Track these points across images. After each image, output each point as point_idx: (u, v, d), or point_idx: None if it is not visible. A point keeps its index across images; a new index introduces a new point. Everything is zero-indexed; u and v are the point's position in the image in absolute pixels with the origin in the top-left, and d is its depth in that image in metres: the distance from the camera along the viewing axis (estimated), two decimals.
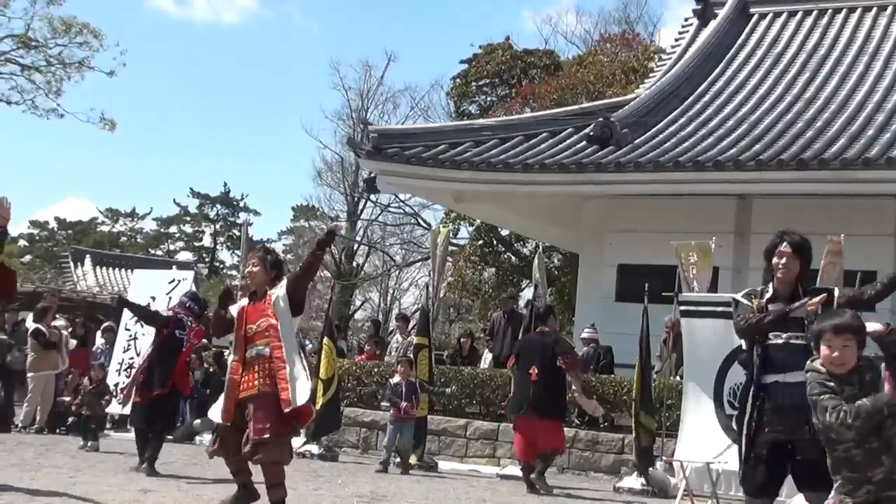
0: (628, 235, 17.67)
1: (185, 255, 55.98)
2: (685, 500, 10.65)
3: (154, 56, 76.11)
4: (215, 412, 7.44)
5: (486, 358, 17.32)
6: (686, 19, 23.45)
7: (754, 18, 22.15)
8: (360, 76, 48.63)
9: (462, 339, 18.76)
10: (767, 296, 6.17)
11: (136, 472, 10.07)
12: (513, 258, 32.10)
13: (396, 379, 13.08)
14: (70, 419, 14.24)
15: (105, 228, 59.67)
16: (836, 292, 6.16)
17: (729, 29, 21.67)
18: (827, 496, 5.48)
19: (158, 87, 76.40)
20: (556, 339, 11.58)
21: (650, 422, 12.23)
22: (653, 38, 38.21)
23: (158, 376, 10.55)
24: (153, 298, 15.13)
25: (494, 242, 31.53)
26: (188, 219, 58.98)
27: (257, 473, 7.37)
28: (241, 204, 58.23)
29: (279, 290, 7.28)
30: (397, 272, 46.43)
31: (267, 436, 7.01)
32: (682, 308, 11.63)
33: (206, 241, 58.99)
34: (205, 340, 14.31)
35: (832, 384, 4.88)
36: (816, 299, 5.93)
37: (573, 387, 11.82)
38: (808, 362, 5.04)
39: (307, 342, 21.64)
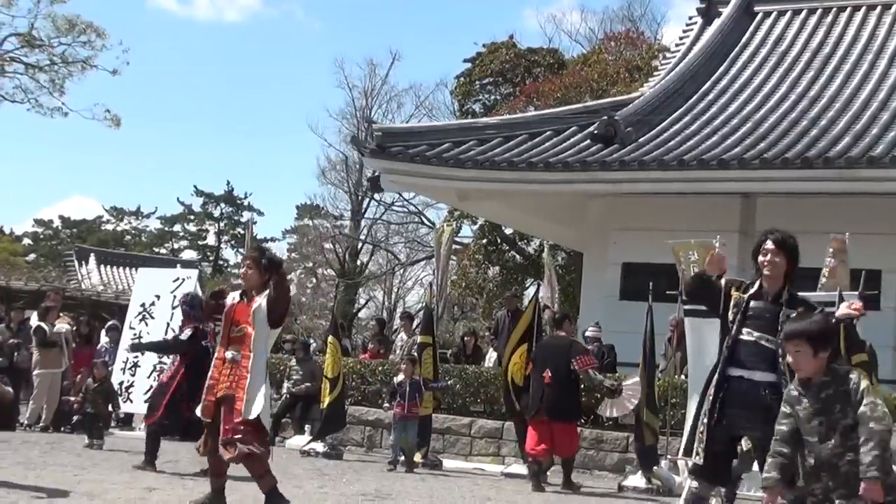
0: (632, 234, 17.65)
1: (189, 254, 56.03)
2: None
3: (157, 55, 76.34)
4: (200, 409, 7.57)
5: (491, 357, 17.32)
6: (690, 17, 23.45)
7: (759, 16, 22.11)
8: (364, 74, 48.71)
9: (466, 338, 18.78)
10: (752, 291, 6.21)
11: (141, 469, 10.07)
12: (517, 257, 32.09)
13: (400, 377, 13.10)
14: (75, 417, 14.24)
15: (109, 227, 59.70)
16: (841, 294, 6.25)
17: (733, 27, 21.64)
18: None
19: (162, 86, 76.54)
20: (572, 344, 11.94)
21: (654, 420, 12.23)
22: (657, 36, 38.15)
23: (198, 389, 10.48)
24: (157, 297, 15.17)
25: (498, 241, 31.52)
26: (192, 217, 58.90)
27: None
28: (245, 202, 58.20)
29: (262, 300, 7.33)
30: (401, 271, 46.44)
31: (236, 436, 7.15)
32: (686, 307, 11.62)
33: (211, 239, 58.97)
34: None
35: (795, 393, 5.08)
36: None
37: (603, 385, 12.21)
38: None
39: (311, 341, 21.66)
